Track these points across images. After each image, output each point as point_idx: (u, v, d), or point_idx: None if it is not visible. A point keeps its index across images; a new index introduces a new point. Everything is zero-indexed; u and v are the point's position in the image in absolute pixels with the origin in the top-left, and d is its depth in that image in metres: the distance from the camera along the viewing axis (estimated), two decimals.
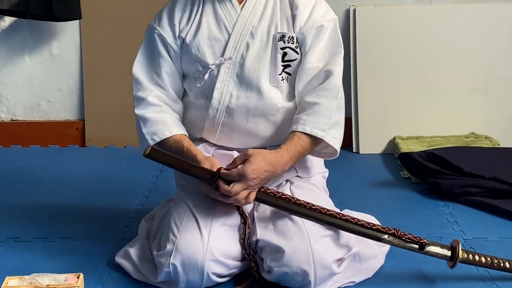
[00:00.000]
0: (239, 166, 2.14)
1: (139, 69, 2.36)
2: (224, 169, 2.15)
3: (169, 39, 2.32)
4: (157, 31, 2.34)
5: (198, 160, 2.19)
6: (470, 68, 3.64)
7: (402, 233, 2.20)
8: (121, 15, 3.66)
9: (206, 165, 2.16)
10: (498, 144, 3.50)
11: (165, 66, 2.34)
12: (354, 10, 3.62)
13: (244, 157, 2.15)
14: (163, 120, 2.30)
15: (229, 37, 2.28)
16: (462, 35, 3.62)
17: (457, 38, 3.62)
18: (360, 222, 2.19)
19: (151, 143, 2.27)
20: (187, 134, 2.33)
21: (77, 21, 3.66)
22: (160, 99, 2.34)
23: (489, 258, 2.26)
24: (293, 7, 2.30)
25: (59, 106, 3.81)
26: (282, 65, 2.29)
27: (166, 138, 2.27)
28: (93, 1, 3.64)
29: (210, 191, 2.17)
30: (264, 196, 2.19)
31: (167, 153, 2.22)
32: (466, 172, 3.02)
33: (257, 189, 2.17)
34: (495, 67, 3.64)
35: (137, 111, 2.33)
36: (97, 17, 3.67)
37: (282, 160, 2.18)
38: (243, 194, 2.13)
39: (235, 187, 2.11)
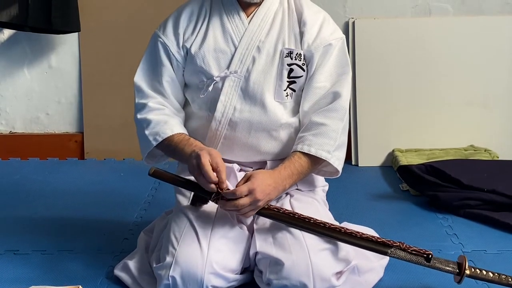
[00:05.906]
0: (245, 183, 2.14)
1: (141, 78, 2.36)
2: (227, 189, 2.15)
3: (172, 48, 2.32)
4: (160, 40, 2.33)
5: (197, 150, 2.17)
6: (470, 80, 3.64)
7: (408, 246, 2.18)
8: (120, 27, 3.66)
9: (206, 158, 2.12)
10: (497, 157, 3.50)
11: (166, 75, 2.33)
12: (353, 22, 3.62)
13: (246, 177, 2.16)
14: (164, 120, 2.29)
15: (235, 50, 2.28)
16: (462, 48, 3.62)
17: (456, 51, 3.62)
18: (365, 236, 2.18)
19: (154, 143, 2.26)
20: (187, 134, 2.31)
21: (76, 33, 3.66)
22: (161, 104, 2.33)
23: (496, 274, 2.23)
24: (301, 23, 2.29)
25: (58, 119, 3.81)
26: (288, 81, 2.29)
27: (168, 136, 2.25)
28: (92, 14, 3.65)
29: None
30: (267, 211, 2.19)
31: (169, 174, 2.23)
32: (465, 184, 3.02)
33: (260, 208, 2.17)
34: (495, 80, 3.64)
35: (139, 116, 2.32)
36: (96, 30, 3.67)
37: (281, 176, 2.19)
38: (250, 209, 2.13)
39: (243, 200, 2.11)
